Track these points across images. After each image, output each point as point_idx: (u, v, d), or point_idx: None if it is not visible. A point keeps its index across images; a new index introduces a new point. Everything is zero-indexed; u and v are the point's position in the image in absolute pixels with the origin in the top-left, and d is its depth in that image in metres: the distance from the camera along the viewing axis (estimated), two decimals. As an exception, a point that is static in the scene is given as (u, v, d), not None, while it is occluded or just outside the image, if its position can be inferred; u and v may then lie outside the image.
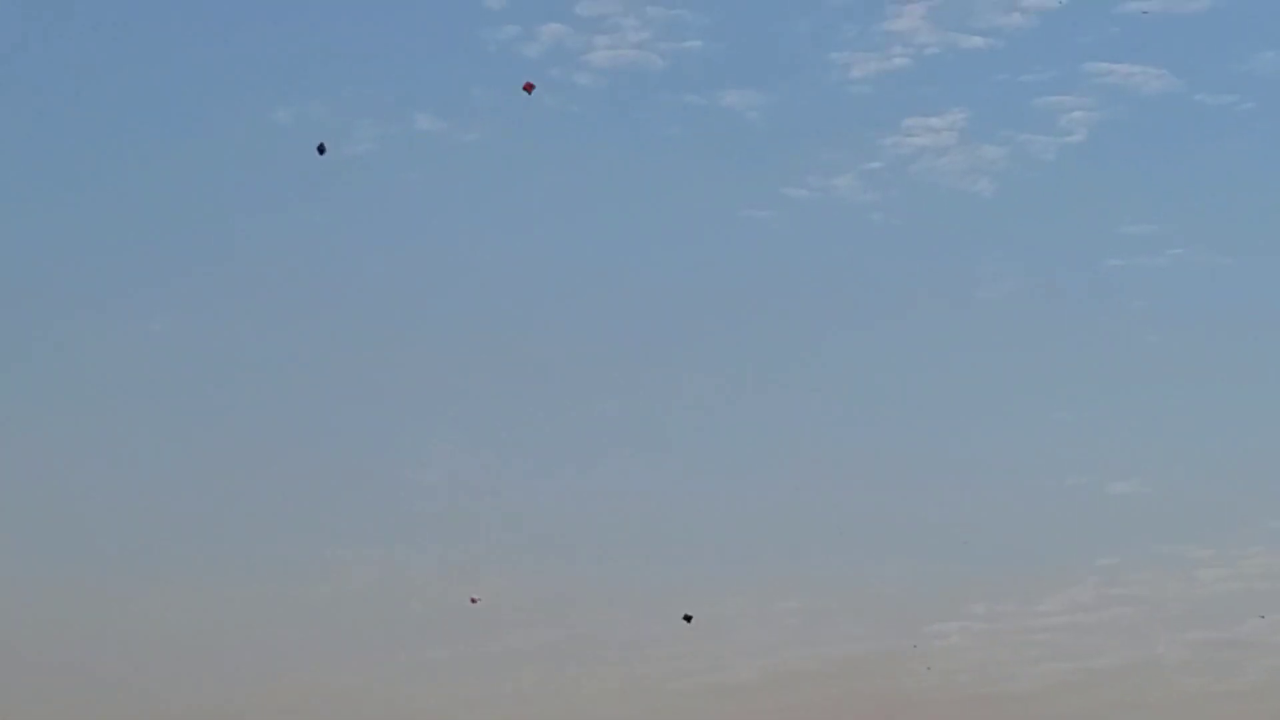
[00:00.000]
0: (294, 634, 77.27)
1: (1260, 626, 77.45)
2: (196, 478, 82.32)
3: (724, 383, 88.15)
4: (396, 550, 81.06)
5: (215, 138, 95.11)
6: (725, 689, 77.39)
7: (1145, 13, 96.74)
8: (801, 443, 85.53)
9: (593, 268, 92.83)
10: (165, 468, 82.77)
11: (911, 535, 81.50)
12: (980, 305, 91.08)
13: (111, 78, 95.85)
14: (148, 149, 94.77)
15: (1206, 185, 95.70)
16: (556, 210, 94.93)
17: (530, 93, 75.92)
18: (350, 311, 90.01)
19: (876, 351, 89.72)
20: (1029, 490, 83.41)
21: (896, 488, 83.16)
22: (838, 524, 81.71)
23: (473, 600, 71.71)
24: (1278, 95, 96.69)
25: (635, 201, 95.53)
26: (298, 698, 75.55)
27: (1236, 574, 79.77)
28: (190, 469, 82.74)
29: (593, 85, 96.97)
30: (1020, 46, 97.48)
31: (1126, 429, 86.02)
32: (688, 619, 69.36)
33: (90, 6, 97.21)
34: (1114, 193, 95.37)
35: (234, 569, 79.22)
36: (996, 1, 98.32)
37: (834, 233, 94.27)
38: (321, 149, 71.34)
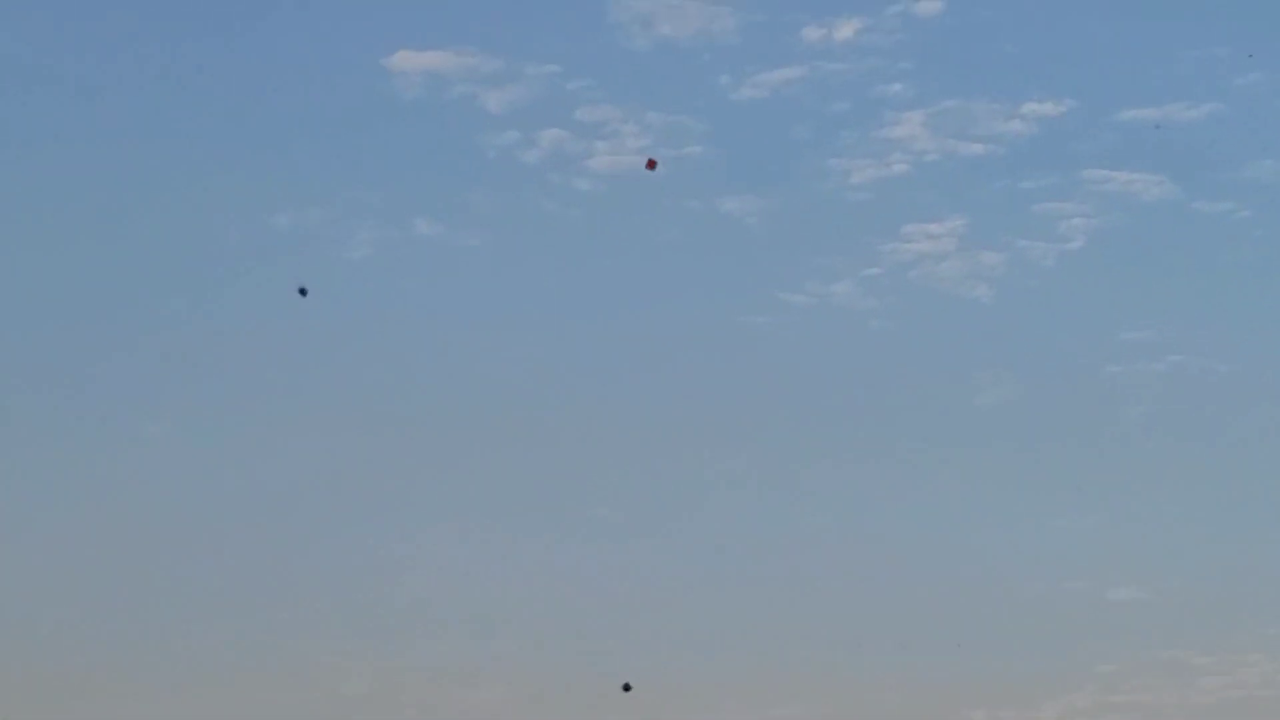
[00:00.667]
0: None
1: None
2: (184, 581, 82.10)
3: (719, 484, 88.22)
4: (390, 654, 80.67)
5: (213, 242, 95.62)
6: (721, 799, 77.12)
7: (1158, 127, 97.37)
8: (796, 548, 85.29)
9: (590, 370, 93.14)
10: (153, 570, 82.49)
11: (909, 641, 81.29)
12: (978, 411, 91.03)
13: (107, 179, 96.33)
14: (144, 252, 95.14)
15: (1205, 292, 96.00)
16: (555, 313, 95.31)
17: (653, 169, 76.78)
18: (347, 414, 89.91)
19: (874, 457, 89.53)
20: (1027, 596, 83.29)
21: (893, 593, 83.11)
22: (834, 629, 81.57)
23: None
24: (1275, 203, 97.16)
25: (633, 306, 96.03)
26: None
27: (1236, 682, 79.47)
28: (179, 572, 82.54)
29: (592, 190, 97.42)
30: (1020, 153, 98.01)
31: (1126, 535, 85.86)
32: (627, 688, 68.66)
33: (85, 109, 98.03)
34: (1113, 299, 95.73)
35: (221, 674, 78.93)
36: (997, 109, 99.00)
37: (832, 339, 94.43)
38: (303, 291, 71.65)
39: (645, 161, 78.88)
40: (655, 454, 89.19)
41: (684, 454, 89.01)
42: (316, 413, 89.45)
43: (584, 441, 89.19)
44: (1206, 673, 79.64)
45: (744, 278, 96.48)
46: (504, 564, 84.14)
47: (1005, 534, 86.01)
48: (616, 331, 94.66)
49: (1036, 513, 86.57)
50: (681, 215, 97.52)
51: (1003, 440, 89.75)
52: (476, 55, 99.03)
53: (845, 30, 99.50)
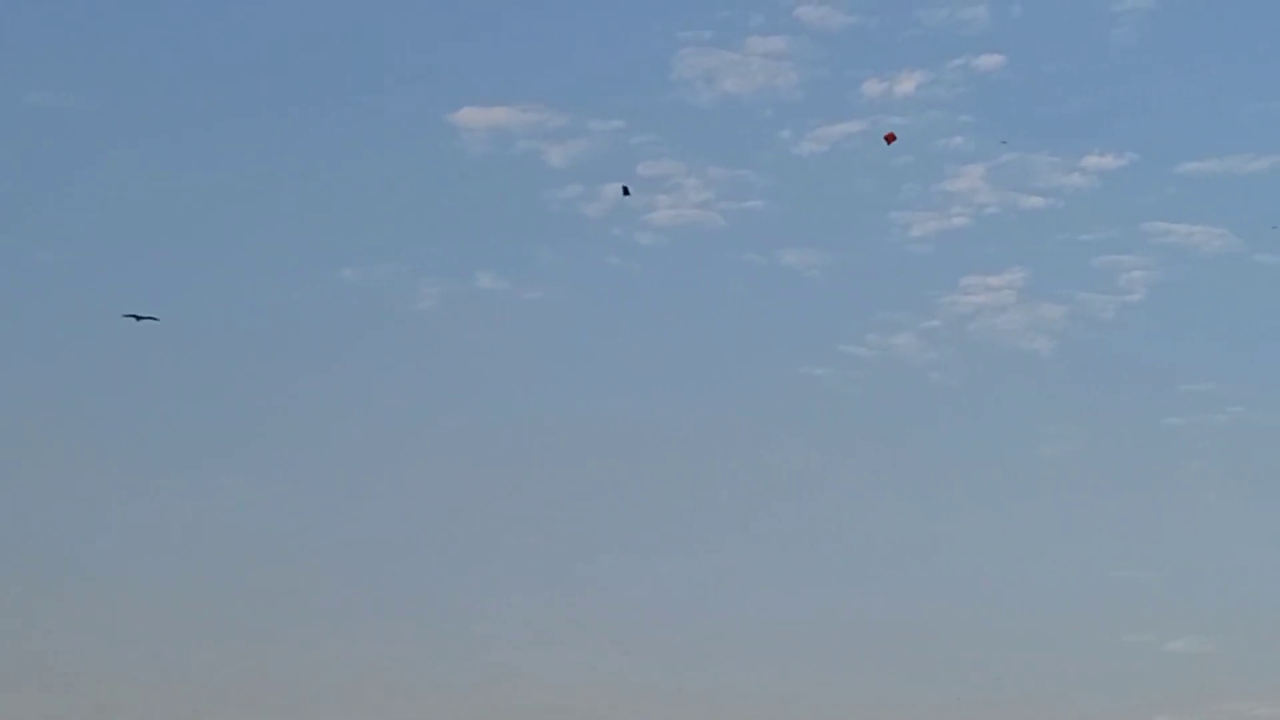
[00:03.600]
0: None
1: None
2: (256, 623, 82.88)
3: (781, 540, 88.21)
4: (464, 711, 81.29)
5: (283, 296, 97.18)
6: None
7: (1275, 228, 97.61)
8: (849, 599, 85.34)
9: (651, 423, 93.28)
10: (231, 612, 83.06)
11: (971, 691, 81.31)
12: (1039, 463, 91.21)
13: (181, 236, 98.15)
14: (214, 305, 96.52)
15: (1266, 344, 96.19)
16: (617, 367, 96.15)
17: (891, 143, 78.83)
18: (413, 465, 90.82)
19: (935, 509, 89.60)
20: (1088, 647, 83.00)
21: (953, 643, 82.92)
22: (886, 678, 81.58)
23: None
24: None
25: (695, 358, 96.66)
26: None
27: (1298, 733, 79.17)
28: (251, 613, 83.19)
29: (654, 244, 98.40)
30: (1080, 206, 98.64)
31: (1186, 586, 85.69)
32: (626, 192, 68.07)
33: (161, 166, 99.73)
34: (1173, 351, 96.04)
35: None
36: (1056, 162, 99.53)
37: (892, 391, 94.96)
38: (626, 190, 74.22)
39: (886, 135, 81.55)
40: (718, 506, 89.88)
41: (743, 502, 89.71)
42: (383, 465, 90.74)
43: (643, 492, 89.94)
44: (1267, 725, 79.64)
45: (805, 330, 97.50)
46: (564, 625, 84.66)
47: (1065, 585, 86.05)
48: (679, 384, 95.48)
49: (1096, 564, 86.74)
50: (743, 268, 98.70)
51: (1063, 491, 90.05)
52: (541, 111, 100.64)
53: (906, 84, 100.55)
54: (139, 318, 72.14)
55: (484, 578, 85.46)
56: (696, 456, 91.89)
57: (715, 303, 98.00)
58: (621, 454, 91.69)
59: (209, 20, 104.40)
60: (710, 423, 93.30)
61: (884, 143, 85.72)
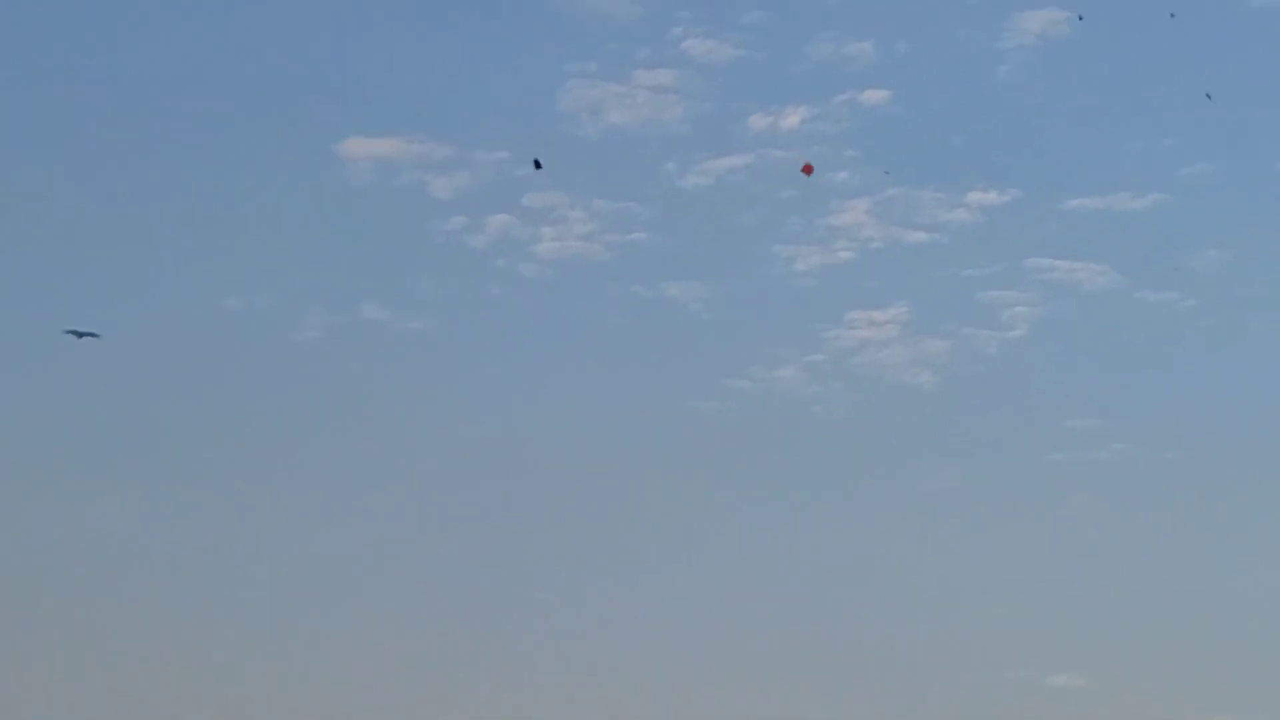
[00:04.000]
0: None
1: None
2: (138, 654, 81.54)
3: (665, 578, 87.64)
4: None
5: (165, 324, 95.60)
6: None
7: (1176, 269, 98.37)
8: (737, 639, 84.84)
9: (534, 456, 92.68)
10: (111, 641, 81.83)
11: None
12: (921, 498, 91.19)
13: (59, 264, 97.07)
14: (100, 332, 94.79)
15: (1148, 381, 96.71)
16: (500, 399, 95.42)
17: (809, 174, 79.19)
18: (296, 496, 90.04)
19: (817, 545, 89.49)
20: (969, 684, 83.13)
21: (834, 681, 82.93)
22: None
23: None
24: (1218, 293, 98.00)
25: (578, 391, 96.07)
26: None
27: (1175, 769, 79.49)
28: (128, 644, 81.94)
29: (538, 276, 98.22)
30: (963, 241, 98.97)
31: (1067, 622, 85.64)
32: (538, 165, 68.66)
33: (37, 194, 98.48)
34: (1056, 387, 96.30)
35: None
36: (941, 198, 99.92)
37: (776, 425, 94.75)
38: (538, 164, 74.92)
39: (803, 166, 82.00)
40: (603, 542, 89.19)
41: (623, 537, 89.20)
42: (267, 496, 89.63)
43: (523, 528, 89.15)
44: (1145, 760, 79.95)
45: (689, 363, 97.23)
46: (457, 652, 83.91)
47: (946, 621, 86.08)
48: (561, 417, 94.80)
49: (978, 600, 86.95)
50: (627, 301, 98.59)
51: (945, 527, 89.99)
52: (426, 142, 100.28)
53: (791, 119, 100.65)
54: (80, 334, 71.86)
55: (361, 611, 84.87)
56: (577, 490, 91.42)
57: (599, 335, 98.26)
58: (503, 486, 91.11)
59: (89, 45, 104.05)
60: (592, 456, 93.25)
61: (799, 174, 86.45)
